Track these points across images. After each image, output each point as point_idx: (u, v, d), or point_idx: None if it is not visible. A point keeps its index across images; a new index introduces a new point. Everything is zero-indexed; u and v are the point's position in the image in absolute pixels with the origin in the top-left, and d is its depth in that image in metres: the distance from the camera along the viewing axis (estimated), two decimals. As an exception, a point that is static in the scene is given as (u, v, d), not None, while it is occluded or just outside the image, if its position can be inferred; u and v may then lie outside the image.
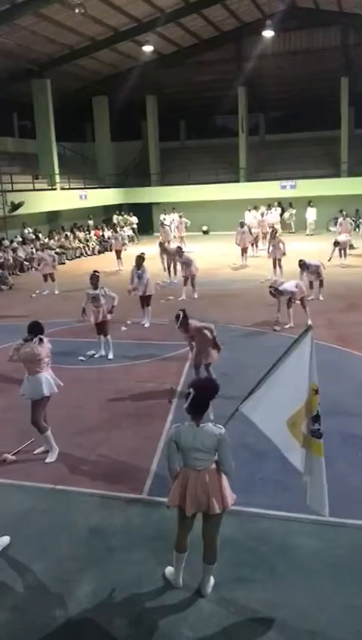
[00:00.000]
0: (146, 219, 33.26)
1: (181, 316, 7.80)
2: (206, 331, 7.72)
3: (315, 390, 4.32)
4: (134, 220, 31.61)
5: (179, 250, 16.32)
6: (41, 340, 6.63)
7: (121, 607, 4.37)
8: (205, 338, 7.75)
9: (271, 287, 11.92)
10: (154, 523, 5.33)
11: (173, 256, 17.32)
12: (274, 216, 27.77)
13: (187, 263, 15.23)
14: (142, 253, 13.16)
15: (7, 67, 25.44)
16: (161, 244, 19.48)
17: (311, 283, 13.92)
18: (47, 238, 25.29)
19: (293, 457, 4.46)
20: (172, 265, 17.76)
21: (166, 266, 18.27)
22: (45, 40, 24.44)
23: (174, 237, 25.05)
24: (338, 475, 5.94)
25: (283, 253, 17.20)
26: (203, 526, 4.42)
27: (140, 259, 12.73)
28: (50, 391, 6.62)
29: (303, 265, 13.55)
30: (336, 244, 18.91)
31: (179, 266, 16.62)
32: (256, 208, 27.09)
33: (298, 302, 11.85)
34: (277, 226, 24.17)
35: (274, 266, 17.29)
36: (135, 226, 31.33)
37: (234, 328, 11.87)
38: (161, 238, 23.82)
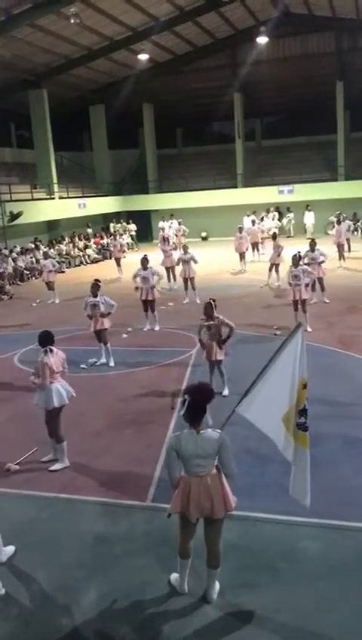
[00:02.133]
0: (145, 226, 33.36)
1: (212, 303, 8.27)
2: (225, 327, 8.20)
3: (304, 384, 4.35)
4: (133, 227, 31.72)
5: (185, 247, 16.35)
6: (48, 350, 6.62)
7: (126, 615, 4.37)
8: (219, 332, 8.19)
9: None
10: (158, 530, 5.33)
11: (170, 253, 17.57)
12: (270, 221, 27.86)
13: (188, 261, 15.53)
14: (146, 255, 13.24)
15: (3, 78, 25.58)
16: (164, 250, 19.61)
17: (312, 286, 14.01)
18: (46, 247, 25.36)
19: (289, 454, 4.49)
20: (171, 270, 17.80)
21: (165, 272, 18.29)
22: (41, 50, 24.60)
23: (173, 243, 25.08)
24: (340, 477, 5.95)
25: (278, 255, 17.24)
26: (205, 531, 4.43)
27: (145, 260, 12.83)
28: (60, 402, 6.60)
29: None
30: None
31: (177, 271, 16.69)
32: (254, 213, 27.17)
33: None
34: (275, 230, 24.20)
35: (270, 270, 17.31)
36: (133, 233, 31.43)
37: (235, 333, 11.85)
38: (160, 244, 23.93)
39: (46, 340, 6.67)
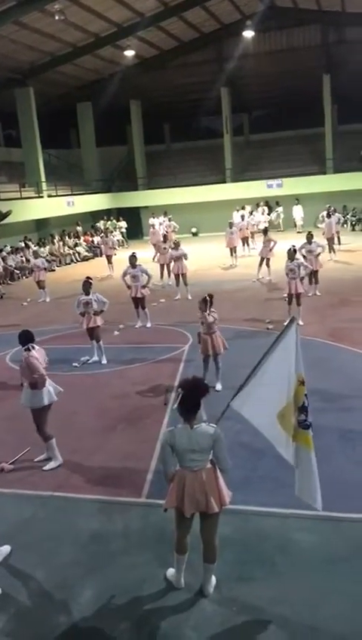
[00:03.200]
0: (135, 223, 33.29)
1: (208, 298, 8.34)
2: (210, 317, 8.28)
3: (301, 381, 4.33)
4: (123, 224, 31.65)
5: (176, 243, 16.34)
6: (31, 347, 6.61)
7: (124, 611, 4.38)
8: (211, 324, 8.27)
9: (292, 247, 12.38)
10: (154, 526, 5.34)
11: (165, 251, 17.53)
12: (260, 216, 27.89)
13: (180, 257, 15.56)
14: (134, 253, 13.21)
15: (-11, 76, 25.44)
16: (155, 245, 19.63)
17: (309, 279, 14.12)
18: (36, 246, 25.26)
19: (284, 450, 4.47)
20: (166, 267, 17.78)
21: (159, 268, 18.27)
22: (26, 48, 24.43)
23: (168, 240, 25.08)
24: (336, 470, 5.97)
25: (270, 250, 17.26)
26: (201, 526, 4.44)
27: (133, 258, 12.80)
28: (50, 400, 6.60)
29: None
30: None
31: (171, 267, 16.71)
32: (243, 208, 27.18)
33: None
34: (265, 225, 24.25)
35: (261, 264, 17.32)
36: (124, 230, 31.37)
37: (227, 328, 11.87)
38: (150, 240, 24.01)
39: (27, 338, 6.65)
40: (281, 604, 4.31)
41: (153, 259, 19.41)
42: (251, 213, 26.79)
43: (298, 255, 12.78)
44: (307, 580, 4.54)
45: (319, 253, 14.29)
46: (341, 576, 4.57)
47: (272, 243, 17.19)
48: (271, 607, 4.29)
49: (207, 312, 8.28)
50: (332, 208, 23.09)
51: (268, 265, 17.15)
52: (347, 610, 4.23)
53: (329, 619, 4.15)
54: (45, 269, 17.67)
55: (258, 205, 29.42)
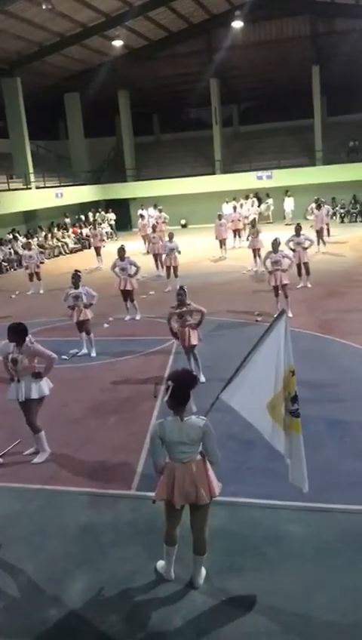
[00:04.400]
0: (124, 214, 33.15)
1: (182, 291, 8.39)
2: (196, 314, 8.28)
3: (292, 372, 4.37)
4: (112, 216, 31.50)
5: (170, 235, 16.32)
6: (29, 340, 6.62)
7: (115, 603, 4.38)
8: (190, 318, 8.27)
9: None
10: (144, 518, 5.33)
11: (156, 240, 17.53)
12: (250, 207, 27.85)
13: (173, 249, 15.60)
14: (123, 245, 13.16)
15: (-25, 67, 25.17)
16: (145, 237, 19.56)
17: (298, 271, 14.11)
18: (24, 238, 25.08)
19: (275, 441, 4.50)
20: (158, 257, 17.74)
21: (153, 259, 18.20)
22: (13, 37, 24.18)
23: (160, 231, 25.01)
24: (325, 460, 6.00)
25: (257, 239, 17.33)
26: (191, 518, 4.44)
27: (122, 251, 12.74)
28: (49, 389, 6.59)
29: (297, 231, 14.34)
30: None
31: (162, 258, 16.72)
32: (235, 199, 27.14)
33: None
34: (254, 217, 24.25)
35: (255, 256, 17.36)
36: (113, 222, 31.23)
37: (216, 320, 11.88)
38: (140, 232, 23.93)
39: (24, 331, 6.58)
40: (272, 594, 4.33)
41: (147, 251, 19.36)
42: (241, 206, 26.74)
43: (283, 247, 12.78)
44: (297, 571, 4.56)
45: (307, 247, 14.26)
46: (331, 567, 4.59)
47: (257, 233, 17.31)
48: (262, 598, 4.30)
49: (187, 304, 8.27)
50: (322, 200, 23.09)
51: (258, 255, 17.15)
52: (337, 600, 4.25)
53: (320, 609, 4.17)
54: (38, 261, 17.52)
55: (247, 197, 29.36)
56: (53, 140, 35.04)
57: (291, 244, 14.13)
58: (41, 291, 16.95)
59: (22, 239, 24.67)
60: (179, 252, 15.83)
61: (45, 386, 6.58)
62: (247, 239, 18.05)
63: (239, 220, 23.56)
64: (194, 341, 8.30)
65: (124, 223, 32.92)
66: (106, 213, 31.69)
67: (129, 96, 33.56)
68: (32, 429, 6.63)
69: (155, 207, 28.04)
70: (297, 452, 4.44)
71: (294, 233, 14.39)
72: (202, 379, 8.15)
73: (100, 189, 32.69)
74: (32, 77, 27.77)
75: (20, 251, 19.71)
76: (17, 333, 6.49)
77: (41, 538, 5.22)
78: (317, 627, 4.05)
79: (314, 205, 21.42)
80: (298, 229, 14.44)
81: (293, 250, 13.90)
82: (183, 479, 4.27)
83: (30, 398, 6.48)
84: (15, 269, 22.56)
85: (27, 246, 18.45)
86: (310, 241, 14.49)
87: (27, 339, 6.51)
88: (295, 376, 4.38)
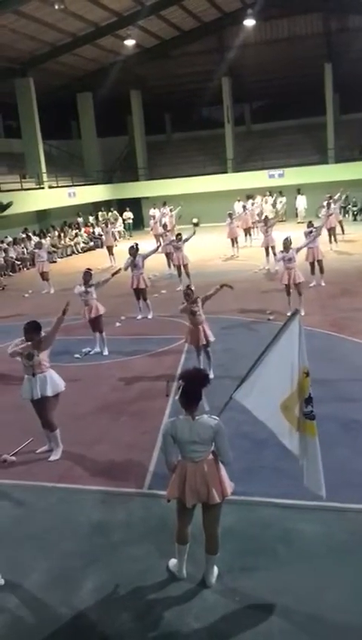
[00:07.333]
0: (136, 213, 33.16)
1: (190, 290, 8.60)
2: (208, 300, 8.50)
3: (306, 373, 4.33)
4: (130, 215, 31.57)
5: (178, 235, 16.34)
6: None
7: (126, 602, 4.38)
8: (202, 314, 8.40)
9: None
10: (156, 516, 5.33)
11: (168, 238, 17.57)
12: (266, 205, 27.76)
13: (180, 248, 15.70)
14: (136, 244, 13.17)
15: (-12, 67, 25.30)
16: (156, 236, 19.56)
17: (312, 269, 14.08)
18: (37, 237, 25.19)
19: (288, 441, 4.47)
20: (170, 257, 17.73)
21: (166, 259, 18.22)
22: (26, 38, 24.27)
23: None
24: (338, 459, 5.96)
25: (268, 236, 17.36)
26: (203, 516, 4.43)
27: (133, 249, 12.80)
28: (54, 390, 6.62)
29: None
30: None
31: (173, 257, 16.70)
32: (252, 197, 27.02)
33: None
34: (267, 214, 24.12)
35: (267, 255, 17.31)
36: (130, 221, 31.29)
37: (228, 319, 11.87)
38: (152, 231, 23.91)
39: (39, 328, 6.66)
40: (284, 594, 4.31)
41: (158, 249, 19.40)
42: (244, 208, 26.62)
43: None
44: (310, 570, 4.54)
45: (318, 235, 14.32)
46: (344, 567, 4.56)
47: (270, 230, 17.32)
48: (274, 598, 4.29)
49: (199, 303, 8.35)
50: (337, 195, 22.81)
51: (274, 253, 17.05)
52: (350, 601, 4.22)
53: (332, 609, 4.15)
54: (49, 260, 17.61)
55: (264, 195, 29.26)
56: (65, 139, 35.13)
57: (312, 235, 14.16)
58: (52, 291, 16.99)
59: (35, 238, 24.78)
60: (187, 240, 15.80)
61: (60, 382, 6.64)
62: (266, 232, 17.84)
63: (248, 220, 23.33)
64: (211, 337, 8.37)
65: (136, 222, 32.95)
66: (123, 212, 31.72)
67: (141, 96, 33.59)
68: (49, 428, 6.67)
69: (164, 205, 27.99)
70: (313, 457, 4.38)
71: (307, 229, 14.43)
72: (211, 375, 8.14)
73: (112, 188, 32.74)
74: (45, 77, 27.87)
75: (35, 250, 19.76)
76: (34, 329, 6.63)
77: (53, 536, 5.24)
78: (329, 627, 4.03)
79: (325, 203, 21.23)
80: (310, 224, 14.48)
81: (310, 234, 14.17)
82: (195, 478, 4.26)
83: (45, 395, 6.52)
84: (28, 268, 22.66)
85: (38, 245, 18.53)
86: (315, 229, 14.46)
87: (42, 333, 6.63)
88: (309, 377, 4.36)
